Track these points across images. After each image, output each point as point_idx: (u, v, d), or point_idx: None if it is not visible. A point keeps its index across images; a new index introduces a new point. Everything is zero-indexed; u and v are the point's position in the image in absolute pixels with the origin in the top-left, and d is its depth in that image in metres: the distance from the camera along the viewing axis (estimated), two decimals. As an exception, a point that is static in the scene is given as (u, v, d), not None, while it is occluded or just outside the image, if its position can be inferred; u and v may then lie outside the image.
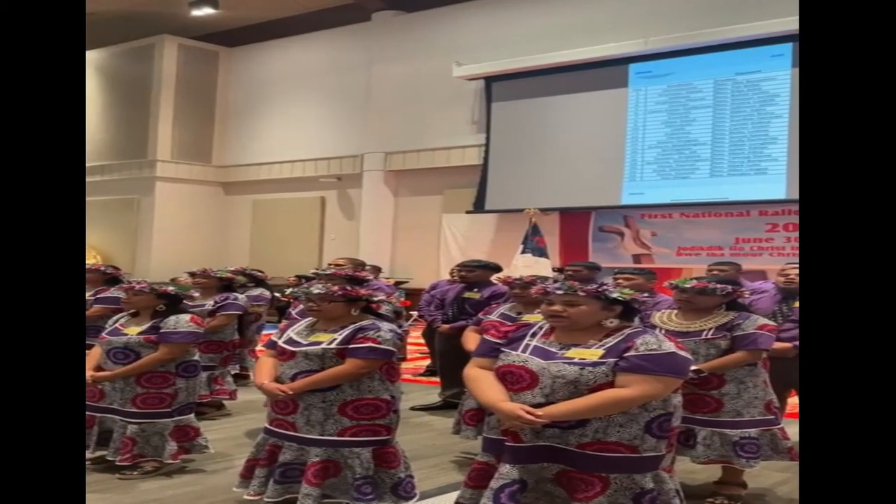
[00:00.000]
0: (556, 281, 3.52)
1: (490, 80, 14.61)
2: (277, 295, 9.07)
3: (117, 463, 4.52)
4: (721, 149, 12.54)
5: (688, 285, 4.38)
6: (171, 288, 4.82)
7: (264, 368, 3.87)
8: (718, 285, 4.35)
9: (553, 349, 3.01)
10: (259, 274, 8.45)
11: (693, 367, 3.97)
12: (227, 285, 6.68)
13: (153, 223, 18.10)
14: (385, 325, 3.81)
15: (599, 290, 3.07)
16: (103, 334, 4.77)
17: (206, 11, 16.52)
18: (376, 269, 9.76)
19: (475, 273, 6.87)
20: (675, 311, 4.47)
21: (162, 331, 4.61)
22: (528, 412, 2.84)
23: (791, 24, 10.85)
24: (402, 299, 9.76)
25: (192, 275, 6.82)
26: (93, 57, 19.53)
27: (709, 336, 4.25)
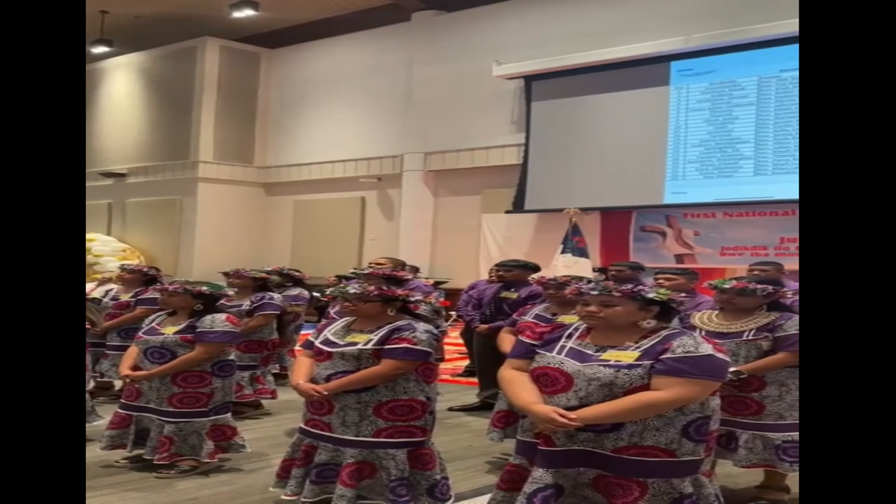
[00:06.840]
0: (590, 281, 3.47)
1: (530, 80, 14.49)
2: (317, 295, 9.11)
3: (155, 462, 4.56)
4: (765, 147, 12.32)
5: (727, 286, 4.31)
6: (205, 287, 4.83)
7: (301, 369, 3.88)
8: (759, 286, 4.27)
9: (589, 351, 2.97)
10: (296, 273, 8.47)
11: (733, 369, 3.90)
12: (262, 285, 6.69)
13: (195, 224, 18.28)
14: (421, 326, 3.78)
15: (635, 290, 3.02)
16: (140, 333, 4.81)
17: (247, 13, 16.67)
18: (414, 270, 9.75)
19: (513, 273, 6.82)
20: (716, 312, 4.40)
21: (198, 330, 4.63)
22: (561, 415, 2.80)
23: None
24: (442, 299, 9.74)
25: (226, 275, 6.85)
26: (136, 59, 19.81)
27: (750, 337, 4.17)
